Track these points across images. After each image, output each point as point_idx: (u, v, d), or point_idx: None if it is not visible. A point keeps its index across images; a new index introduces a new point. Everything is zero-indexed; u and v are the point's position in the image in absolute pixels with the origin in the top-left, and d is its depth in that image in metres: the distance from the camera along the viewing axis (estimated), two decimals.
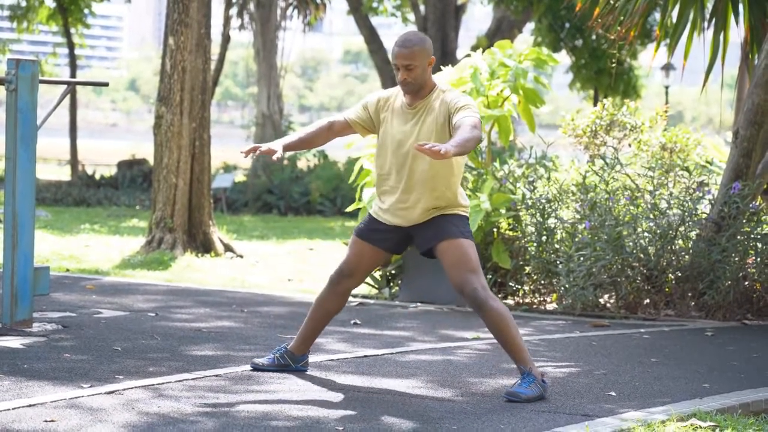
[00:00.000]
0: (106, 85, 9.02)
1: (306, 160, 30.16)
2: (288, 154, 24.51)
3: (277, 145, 6.33)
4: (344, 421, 5.64)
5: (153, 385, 6.26)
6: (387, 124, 6.42)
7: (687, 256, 10.21)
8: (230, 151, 42.31)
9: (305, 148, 6.60)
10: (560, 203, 10.69)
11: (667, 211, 10.34)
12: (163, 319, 8.91)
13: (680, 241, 10.28)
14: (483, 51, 11.08)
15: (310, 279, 12.58)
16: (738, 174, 10.44)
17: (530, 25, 32.38)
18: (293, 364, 6.79)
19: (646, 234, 10.27)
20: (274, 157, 6.28)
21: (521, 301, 10.72)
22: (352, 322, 9.18)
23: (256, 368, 6.78)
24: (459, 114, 6.19)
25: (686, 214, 10.21)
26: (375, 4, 32.26)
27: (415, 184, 6.35)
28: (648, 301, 10.29)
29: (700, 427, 5.70)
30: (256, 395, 6.13)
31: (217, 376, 6.61)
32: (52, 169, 40.67)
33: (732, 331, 9.47)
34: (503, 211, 10.59)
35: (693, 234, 10.32)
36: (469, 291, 6.23)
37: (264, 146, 6.31)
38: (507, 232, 10.75)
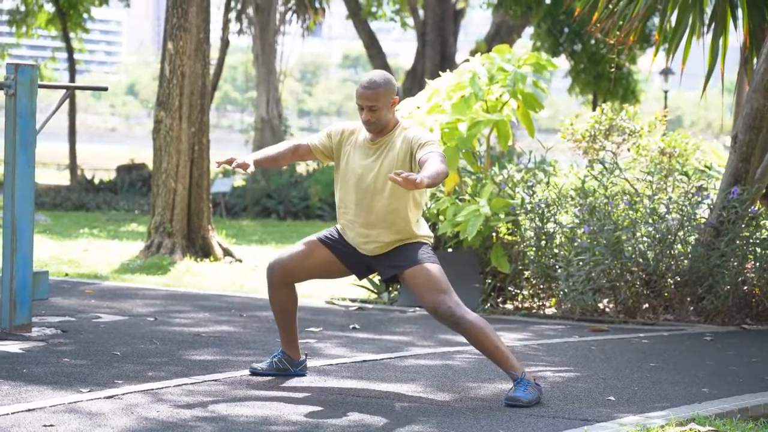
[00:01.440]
0: (105, 89, 9.02)
1: (305, 165, 30.16)
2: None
3: (249, 159, 6.46)
4: (343, 425, 5.63)
5: (152, 389, 6.26)
6: (349, 157, 6.50)
7: (686, 261, 10.20)
8: (229, 155, 42.36)
9: (271, 166, 6.71)
10: (559, 208, 10.69)
11: (666, 215, 10.34)
12: (162, 323, 8.91)
13: (679, 246, 10.28)
14: (481, 55, 11.08)
15: (308, 284, 12.56)
16: (737, 178, 10.44)
17: (529, 30, 32.39)
18: (291, 368, 6.80)
19: (645, 238, 10.27)
20: (249, 171, 6.39)
21: (520, 305, 10.72)
22: (351, 326, 9.18)
23: (255, 373, 6.78)
24: (423, 149, 6.25)
25: (685, 218, 10.21)
26: (374, 9, 32.28)
27: (375, 219, 6.42)
28: (647, 305, 10.28)
29: None
30: (255, 400, 6.13)
31: (216, 380, 6.61)
32: (51, 174, 40.67)
33: (731, 336, 9.47)
34: (502, 215, 10.58)
35: (692, 239, 10.32)
36: (443, 311, 6.22)
37: (239, 159, 6.42)
38: (506, 236, 10.75)
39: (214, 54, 26.63)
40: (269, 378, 6.69)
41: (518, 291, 10.75)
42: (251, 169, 6.38)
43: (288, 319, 6.78)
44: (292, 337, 6.82)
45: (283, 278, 6.65)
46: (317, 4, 32.32)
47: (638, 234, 10.25)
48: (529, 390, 6.27)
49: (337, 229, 6.63)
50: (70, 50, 32.22)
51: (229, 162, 6.39)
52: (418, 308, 10.45)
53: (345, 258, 6.59)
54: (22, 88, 7.91)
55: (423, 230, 6.52)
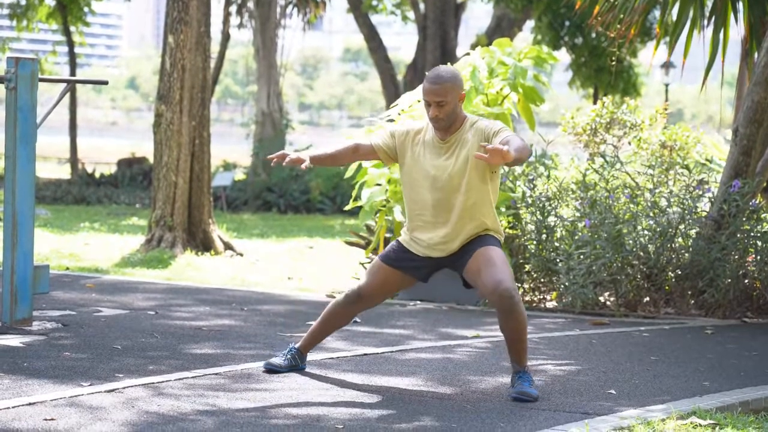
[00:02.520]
0: (105, 83, 9.02)
1: None
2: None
3: (305, 156, 6.31)
4: (344, 419, 5.64)
5: (153, 383, 6.26)
6: (419, 158, 6.36)
7: (687, 254, 10.21)
8: (230, 149, 42.33)
9: (329, 165, 6.58)
10: (560, 201, 10.69)
11: (667, 209, 10.34)
12: (163, 317, 8.91)
13: (680, 239, 10.28)
14: (481, 49, 11.07)
15: (309, 277, 12.58)
16: (738, 172, 10.44)
17: (530, 23, 32.36)
18: (301, 363, 6.79)
19: (646, 232, 10.27)
20: (303, 166, 6.26)
21: (521, 299, 10.71)
22: (352, 320, 9.17)
23: (272, 370, 6.72)
24: (499, 136, 6.17)
25: (686, 212, 10.21)
26: (375, 3, 32.23)
27: (455, 216, 6.32)
28: (648, 299, 10.29)
29: (700, 426, 5.70)
30: (255, 393, 6.13)
31: (216, 374, 6.61)
32: (51, 168, 40.66)
33: (732, 329, 9.48)
34: (503, 209, 10.58)
35: (693, 232, 10.32)
36: (504, 289, 6.14)
37: (294, 155, 6.29)
38: (507, 230, 10.75)
39: (214, 47, 26.67)
40: (269, 372, 6.69)
41: (519, 284, 10.75)
42: (306, 164, 6.24)
43: (329, 331, 6.79)
44: (316, 344, 6.85)
45: (369, 307, 6.69)
46: None
47: (639, 227, 10.26)
48: (533, 385, 6.30)
49: (400, 242, 6.53)
50: (70, 44, 32.20)
51: (282, 158, 6.26)
52: (419, 302, 10.46)
53: (416, 273, 6.52)
54: (23, 82, 7.91)
55: (499, 226, 6.47)
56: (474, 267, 6.29)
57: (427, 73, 6.34)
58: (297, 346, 6.81)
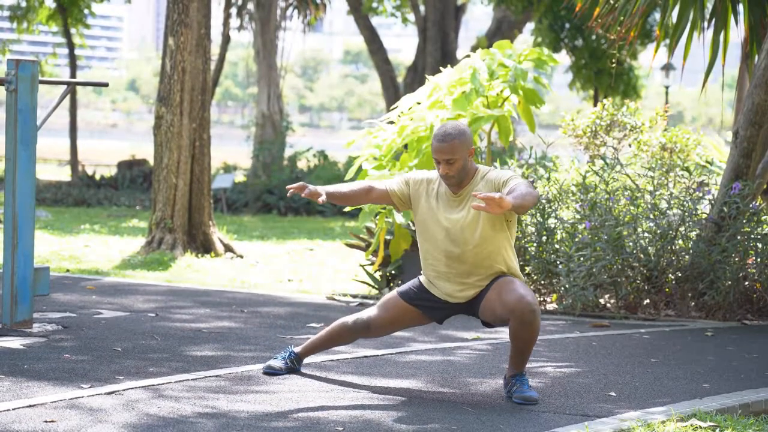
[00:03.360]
0: (106, 85, 9.02)
1: (306, 161, 30.17)
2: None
3: (322, 190, 6.28)
4: (344, 421, 5.64)
5: (153, 385, 6.26)
6: (434, 210, 6.36)
7: (687, 257, 10.21)
8: (230, 151, 42.33)
9: (342, 203, 6.56)
10: (560, 203, 10.69)
11: (668, 211, 10.34)
12: (163, 319, 8.91)
13: (680, 242, 10.28)
14: (482, 51, 11.06)
15: (310, 279, 12.58)
16: (738, 174, 10.44)
17: (530, 26, 32.38)
18: (298, 366, 6.80)
19: (646, 234, 10.27)
20: (320, 200, 6.23)
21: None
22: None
23: (271, 373, 6.72)
24: (508, 185, 6.16)
25: (686, 214, 10.21)
26: (375, 5, 32.24)
27: (470, 267, 6.32)
28: (648, 301, 10.29)
29: (700, 428, 5.70)
30: (255, 396, 6.13)
31: (217, 376, 6.61)
32: (52, 170, 40.67)
33: (732, 332, 9.47)
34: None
35: (693, 234, 10.32)
36: (527, 302, 6.11)
37: (311, 188, 6.25)
38: None
39: (214, 50, 26.67)
40: (270, 374, 6.69)
41: None
42: (323, 198, 6.22)
43: (330, 347, 6.83)
44: (314, 353, 6.88)
45: (370, 337, 6.70)
46: (318, 0, 32.31)
47: (639, 229, 10.26)
48: (531, 387, 6.31)
49: (421, 281, 6.53)
50: (71, 46, 32.21)
51: (301, 189, 6.22)
52: None
53: (430, 312, 6.52)
54: (23, 84, 7.91)
55: (517, 269, 6.43)
56: (494, 294, 6.28)
57: (434, 132, 6.31)
58: (296, 351, 6.81)
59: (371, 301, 10.68)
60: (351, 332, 6.63)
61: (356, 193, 6.45)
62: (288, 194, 6.30)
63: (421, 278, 6.53)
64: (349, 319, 6.64)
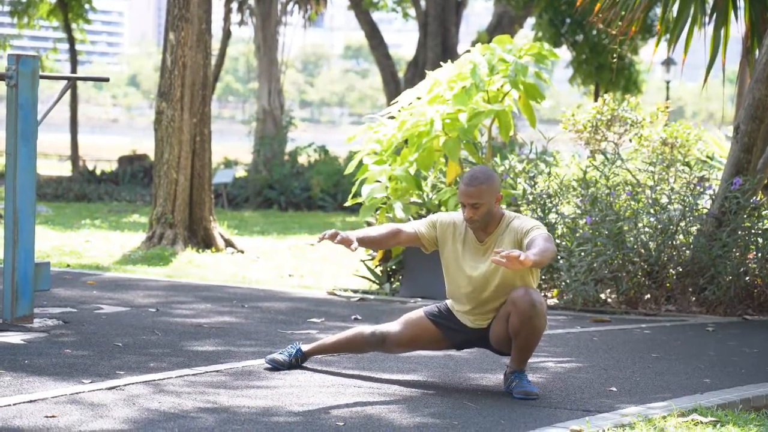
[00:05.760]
0: (106, 80, 9.01)
1: (307, 156, 30.16)
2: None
3: (353, 236, 6.25)
4: (345, 416, 5.64)
5: (154, 380, 6.26)
6: (459, 255, 6.37)
7: (688, 252, 10.21)
8: (231, 146, 42.31)
9: (372, 248, 6.55)
10: (561, 198, 10.69)
11: (668, 206, 10.34)
12: (164, 314, 8.92)
13: (681, 237, 10.28)
14: (482, 46, 11.05)
15: (310, 274, 12.58)
16: (739, 169, 10.44)
17: (531, 21, 32.35)
18: (300, 364, 6.79)
19: (647, 229, 10.27)
20: (352, 248, 6.19)
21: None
22: (352, 317, 9.19)
23: (274, 367, 6.71)
24: (529, 235, 6.15)
25: (687, 209, 10.21)
26: (375, 0, 32.22)
27: (492, 308, 6.36)
28: (649, 296, 10.29)
29: (701, 423, 5.70)
30: (256, 391, 6.13)
31: (217, 371, 6.61)
32: (52, 165, 40.65)
33: (733, 327, 9.48)
34: (504, 206, 10.58)
35: (694, 229, 10.32)
36: (532, 293, 6.14)
37: (342, 234, 6.22)
38: None
39: (215, 45, 26.63)
40: (271, 369, 6.69)
41: None
42: (354, 245, 6.19)
43: (340, 352, 6.82)
44: (322, 354, 6.87)
45: (383, 351, 6.68)
46: None
47: (640, 224, 10.26)
48: (531, 382, 6.31)
49: (447, 305, 6.55)
50: (71, 41, 32.19)
51: (333, 237, 6.15)
52: (419, 299, 10.45)
53: (452, 334, 6.53)
54: (24, 79, 7.91)
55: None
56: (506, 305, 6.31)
57: (463, 176, 6.30)
58: (304, 349, 6.79)
59: (372, 296, 10.68)
60: (366, 343, 6.62)
61: (386, 236, 6.45)
62: (318, 241, 6.27)
63: (449, 302, 6.55)
64: (367, 329, 6.63)
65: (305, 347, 6.81)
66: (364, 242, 6.35)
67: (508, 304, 6.22)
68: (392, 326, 6.59)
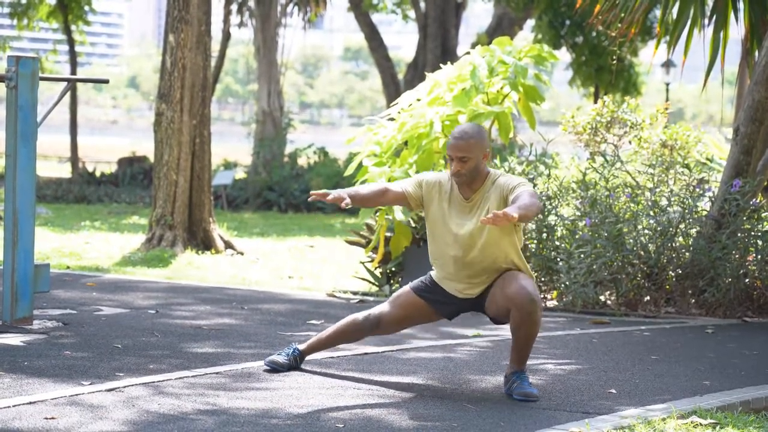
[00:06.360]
0: (106, 82, 9.01)
1: (306, 158, 30.16)
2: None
3: (344, 194, 6.27)
4: (344, 418, 5.64)
5: (153, 382, 6.26)
6: (445, 214, 6.38)
7: (687, 254, 10.20)
8: (230, 148, 42.30)
9: (361, 205, 6.57)
10: (560, 200, 10.69)
11: (668, 208, 10.34)
12: (164, 316, 8.91)
13: (681, 239, 10.28)
14: (481, 48, 11.06)
15: (310, 276, 12.58)
16: (738, 171, 10.44)
17: (531, 22, 32.35)
18: (299, 364, 6.80)
19: (646, 231, 10.27)
20: (343, 204, 6.21)
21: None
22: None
23: (273, 368, 6.72)
24: (514, 192, 6.19)
25: (687, 211, 10.21)
26: (375, 1, 32.22)
27: (478, 269, 6.36)
28: (648, 298, 10.29)
29: (701, 425, 5.70)
30: (256, 392, 6.13)
31: (217, 373, 6.61)
32: (52, 167, 40.66)
33: (732, 329, 9.48)
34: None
35: (693, 231, 10.32)
36: (526, 293, 6.15)
37: (334, 193, 6.24)
38: None
39: (215, 46, 26.64)
40: (270, 371, 6.69)
41: None
42: (347, 201, 6.20)
43: (337, 344, 6.85)
44: (319, 351, 6.90)
45: (379, 334, 6.72)
46: None
47: (639, 226, 10.26)
48: (531, 384, 6.32)
49: (432, 277, 6.56)
50: (71, 42, 32.20)
51: (324, 195, 6.18)
52: None
53: (440, 307, 6.55)
54: (24, 80, 7.91)
55: (527, 267, 6.47)
56: (498, 287, 6.32)
57: (453, 130, 6.33)
58: (300, 348, 6.81)
59: (371, 298, 10.68)
60: (361, 329, 6.64)
61: (374, 194, 6.46)
62: (310, 200, 6.31)
63: (433, 274, 6.56)
64: (360, 315, 6.67)
65: (302, 346, 6.83)
66: (355, 199, 6.36)
67: (506, 300, 6.22)
68: (384, 308, 6.62)
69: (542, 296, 10.71)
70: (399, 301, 6.59)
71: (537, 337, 6.41)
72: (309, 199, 6.30)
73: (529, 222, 6.11)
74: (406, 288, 6.62)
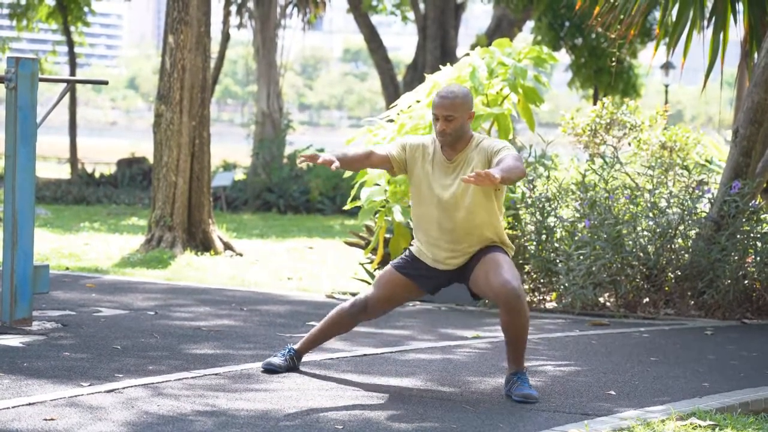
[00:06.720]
0: (105, 83, 9.01)
1: None
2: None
3: (333, 157, 6.25)
4: (343, 419, 5.64)
5: (152, 383, 6.26)
6: (428, 176, 6.41)
7: (686, 255, 10.21)
8: (230, 149, 42.32)
9: (347, 168, 6.57)
10: (560, 202, 10.69)
11: (667, 209, 10.34)
12: (163, 317, 8.92)
13: (680, 240, 10.28)
14: (481, 49, 11.06)
15: (309, 277, 12.58)
16: (738, 173, 10.44)
17: (530, 24, 32.36)
18: (297, 364, 6.81)
19: (645, 233, 10.27)
20: (333, 167, 6.20)
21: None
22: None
23: (271, 370, 6.73)
24: (498, 155, 6.22)
25: (686, 212, 10.22)
26: (374, 3, 32.22)
27: (461, 234, 6.37)
28: (647, 300, 10.29)
29: (700, 426, 5.70)
30: (255, 394, 6.13)
31: (216, 374, 6.61)
32: (51, 168, 40.66)
33: (731, 330, 9.48)
34: (503, 209, 10.57)
35: (693, 233, 10.32)
36: (511, 288, 6.17)
37: (324, 155, 6.23)
38: (506, 230, 10.75)
39: (214, 47, 26.64)
40: (268, 372, 6.69)
41: None
42: (336, 164, 6.19)
43: (330, 336, 6.84)
44: (314, 347, 6.90)
45: (373, 317, 6.73)
46: None
47: (639, 228, 10.26)
48: (531, 385, 6.32)
49: (412, 251, 6.57)
50: (70, 44, 32.19)
51: (314, 158, 6.18)
52: (418, 302, 10.46)
53: (422, 282, 6.56)
54: (23, 81, 7.91)
55: (507, 239, 6.51)
56: (481, 272, 6.34)
57: (439, 90, 6.35)
58: (295, 347, 6.82)
59: None
60: (350, 316, 6.67)
61: (360, 157, 6.46)
62: (298, 163, 6.32)
63: (412, 248, 6.58)
64: (346, 304, 6.71)
65: (296, 345, 6.84)
66: (342, 162, 6.33)
67: (490, 291, 6.25)
68: (368, 291, 6.65)
69: (541, 298, 10.71)
70: (382, 281, 6.61)
71: (530, 333, 6.42)
72: (297, 162, 6.30)
73: (510, 185, 6.12)
74: (388, 267, 6.64)
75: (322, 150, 29.84)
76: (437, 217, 6.39)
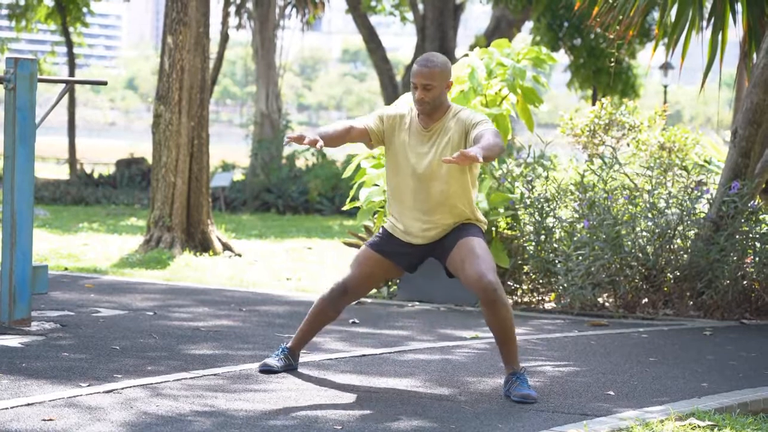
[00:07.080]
0: (104, 83, 9.01)
1: (305, 159, 30.16)
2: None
3: (317, 136, 6.21)
4: (342, 420, 5.64)
5: (151, 384, 6.26)
6: (405, 145, 6.43)
7: (685, 256, 10.21)
8: (228, 150, 42.32)
9: (331, 145, 6.56)
10: (559, 202, 10.69)
11: (666, 210, 10.34)
12: (162, 318, 8.91)
13: (679, 241, 10.28)
14: (480, 50, 11.06)
15: (308, 278, 12.58)
16: (736, 173, 10.44)
17: (529, 24, 32.37)
18: (294, 362, 6.81)
19: (644, 233, 10.27)
20: (318, 146, 6.16)
21: (519, 300, 10.72)
22: (350, 321, 9.18)
23: (267, 371, 6.73)
24: (477, 128, 6.23)
25: (685, 213, 10.21)
26: (373, 3, 32.24)
27: (435, 205, 6.39)
28: (646, 300, 10.29)
29: (699, 427, 5.70)
30: (254, 394, 6.13)
31: (215, 375, 6.61)
32: (50, 168, 40.67)
33: (730, 331, 9.48)
34: (501, 210, 10.58)
35: (691, 233, 10.32)
36: (487, 282, 6.19)
37: (309, 136, 6.19)
38: (505, 231, 10.75)
39: (213, 48, 26.65)
40: (266, 372, 6.69)
41: (517, 285, 10.76)
42: (321, 144, 6.16)
43: (318, 328, 6.85)
44: (306, 342, 6.89)
45: (354, 300, 6.77)
46: None
47: (638, 228, 10.26)
48: (530, 386, 6.31)
49: (385, 228, 6.60)
50: (69, 44, 32.19)
51: (300, 139, 6.14)
52: (417, 303, 10.46)
53: (400, 259, 6.58)
54: (22, 82, 7.91)
55: (479, 214, 6.54)
56: (457, 258, 6.36)
57: (418, 58, 6.39)
58: (288, 346, 6.83)
59: (369, 300, 10.68)
60: (333, 302, 6.70)
61: (340, 133, 6.44)
62: (285, 143, 6.35)
63: (386, 225, 6.61)
64: (325, 292, 6.77)
65: (289, 343, 6.85)
66: (325, 139, 6.32)
67: (466, 281, 6.26)
68: (345, 274, 6.73)
69: (540, 298, 10.71)
70: (358, 261, 6.66)
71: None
72: (284, 143, 6.31)
73: (491, 161, 6.13)
74: (363, 246, 6.68)
75: (322, 153, 29.89)
76: (412, 186, 6.41)
